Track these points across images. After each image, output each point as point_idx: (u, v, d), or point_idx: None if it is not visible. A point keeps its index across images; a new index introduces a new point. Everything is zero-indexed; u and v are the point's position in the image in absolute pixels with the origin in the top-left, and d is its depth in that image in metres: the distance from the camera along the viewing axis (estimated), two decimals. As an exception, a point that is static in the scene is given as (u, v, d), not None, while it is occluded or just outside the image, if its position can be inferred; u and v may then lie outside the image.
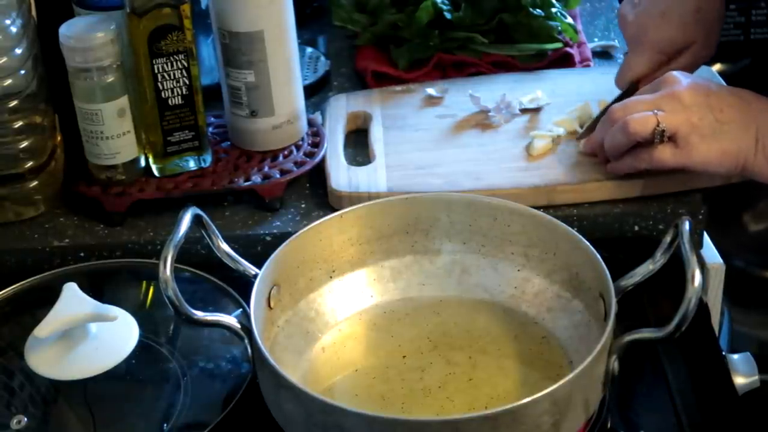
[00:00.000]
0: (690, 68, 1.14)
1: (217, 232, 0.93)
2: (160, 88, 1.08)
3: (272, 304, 0.93)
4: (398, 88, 1.27)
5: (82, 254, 1.10)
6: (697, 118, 1.02)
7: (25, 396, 0.95)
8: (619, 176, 1.08)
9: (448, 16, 1.29)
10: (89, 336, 0.96)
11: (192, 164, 1.13)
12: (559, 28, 1.31)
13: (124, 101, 1.08)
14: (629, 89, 1.15)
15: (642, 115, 1.03)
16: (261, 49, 1.10)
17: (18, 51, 1.07)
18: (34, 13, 1.14)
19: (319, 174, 1.14)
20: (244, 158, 1.15)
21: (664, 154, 1.03)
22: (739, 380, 1.00)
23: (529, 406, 0.79)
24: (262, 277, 0.91)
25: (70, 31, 1.05)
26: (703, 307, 1.04)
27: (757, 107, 1.03)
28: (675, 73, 1.06)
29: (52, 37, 1.07)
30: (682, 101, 1.03)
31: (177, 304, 0.85)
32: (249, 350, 0.88)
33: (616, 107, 1.07)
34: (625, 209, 1.08)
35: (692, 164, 1.03)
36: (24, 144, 1.10)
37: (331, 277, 0.98)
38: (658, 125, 1.02)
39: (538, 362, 0.93)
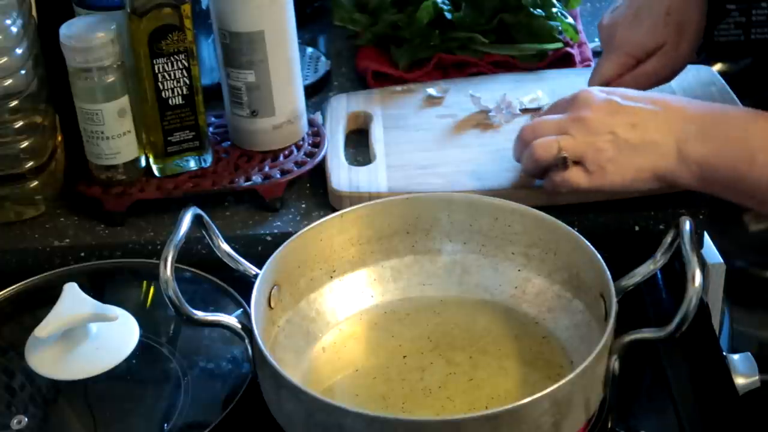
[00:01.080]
0: (660, 71, 1.14)
1: (217, 232, 0.93)
2: (161, 88, 1.08)
3: (273, 304, 0.93)
4: (399, 88, 1.27)
5: (82, 254, 1.10)
6: (603, 142, 1.00)
7: (26, 396, 0.95)
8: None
9: (448, 16, 1.29)
10: (90, 336, 0.96)
11: (192, 164, 1.13)
12: (560, 28, 1.31)
13: (124, 101, 1.08)
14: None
15: (545, 140, 1.03)
16: (261, 49, 1.10)
17: (18, 51, 1.07)
18: (34, 13, 1.14)
19: (319, 174, 1.14)
20: (245, 158, 1.15)
21: (578, 178, 1.02)
22: (740, 380, 1.00)
23: (529, 406, 0.79)
24: (262, 277, 0.91)
25: (70, 31, 1.05)
26: (703, 307, 1.04)
27: (678, 115, 1.01)
28: (588, 90, 1.05)
29: (52, 37, 1.07)
30: (587, 125, 1.01)
31: (177, 304, 0.85)
32: (249, 350, 0.88)
33: (525, 127, 1.07)
34: (625, 209, 1.08)
35: (607, 187, 1.02)
36: (24, 144, 1.10)
37: (331, 277, 0.98)
38: (559, 151, 1.01)
39: (538, 362, 0.93)
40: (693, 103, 1.04)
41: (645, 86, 1.14)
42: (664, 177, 1.01)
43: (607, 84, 1.15)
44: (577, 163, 1.02)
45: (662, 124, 1.01)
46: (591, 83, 1.17)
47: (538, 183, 1.09)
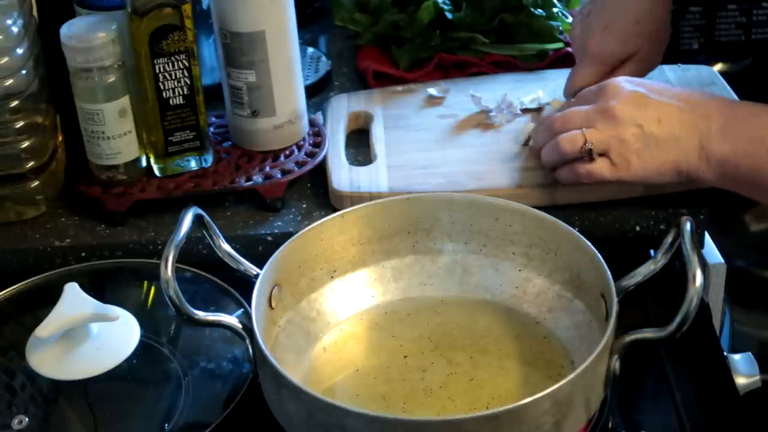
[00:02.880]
0: (635, 76, 1.14)
1: (218, 232, 0.93)
2: (162, 88, 1.08)
3: (273, 304, 0.93)
4: (399, 88, 1.27)
5: (83, 254, 1.10)
6: (629, 134, 1.02)
7: (27, 396, 0.95)
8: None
9: (449, 16, 1.29)
10: (90, 336, 0.96)
11: (193, 164, 1.13)
12: (561, 27, 1.31)
13: (125, 101, 1.08)
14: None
15: (571, 134, 1.04)
16: (262, 49, 1.10)
17: (19, 51, 1.07)
18: (35, 13, 1.14)
19: (320, 174, 1.14)
20: (246, 158, 1.15)
21: (602, 170, 1.03)
22: (741, 380, 1.00)
23: (530, 406, 0.79)
24: (263, 277, 0.91)
25: (71, 31, 1.05)
26: (704, 307, 1.04)
27: (702, 112, 1.02)
28: (616, 80, 1.06)
29: (53, 37, 1.07)
30: (614, 117, 1.02)
31: (178, 304, 0.85)
32: (250, 350, 0.88)
33: (555, 117, 1.08)
34: (626, 209, 1.08)
35: (630, 178, 1.03)
36: (25, 144, 1.10)
37: (332, 277, 0.98)
38: (585, 144, 1.02)
39: (539, 362, 0.93)
40: (717, 99, 1.05)
41: None
42: (685, 173, 1.02)
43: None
44: (602, 154, 1.03)
45: (687, 120, 1.01)
46: (566, 90, 1.19)
47: (536, 180, 1.09)
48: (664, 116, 1.02)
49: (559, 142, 1.05)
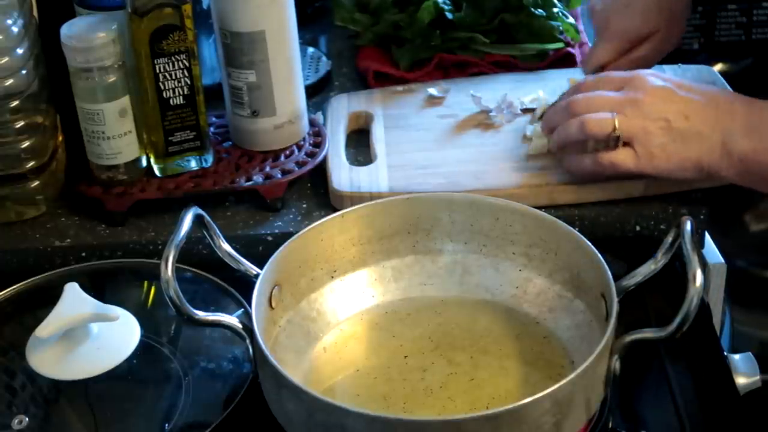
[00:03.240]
0: (653, 56, 1.17)
1: (218, 232, 0.93)
2: (162, 88, 1.08)
3: (273, 304, 0.93)
4: (400, 88, 1.27)
5: (83, 254, 1.10)
6: (654, 127, 1.02)
7: (27, 396, 0.95)
8: (621, 176, 1.07)
9: (449, 16, 1.29)
10: (90, 336, 0.96)
11: (193, 164, 1.13)
12: (561, 27, 1.31)
13: (125, 101, 1.08)
14: (595, 74, 1.17)
15: (600, 116, 1.04)
16: (262, 49, 1.10)
17: (19, 51, 1.07)
18: (35, 12, 1.14)
19: (320, 174, 1.14)
20: (246, 158, 1.15)
21: (626, 160, 1.03)
22: (741, 380, 1.00)
23: (530, 406, 0.79)
24: (263, 277, 0.91)
25: (71, 31, 1.05)
26: (704, 307, 1.04)
27: (726, 109, 1.02)
28: (644, 74, 1.06)
29: (53, 37, 1.07)
30: (642, 108, 1.03)
31: (178, 303, 0.85)
32: (250, 350, 0.88)
33: (578, 98, 1.07)
34: (626, 209, 1.08)
35: (653, 171, 1.03)
36: (25, 144, 1.10)
37: (332, 277, 0.98)
38: (614, 130, 1.02)
39: (539, 362, 0.93)
40: (740, 97, 1.05)
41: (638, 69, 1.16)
42: (706, 169, 1.02)
43: (602, 69, 1.17)
44: (625, 144, 1.03)
45: (711, 117, 1.02)
46: (586, 67, 1.19)
47: (535, 175, 1.09)
48: (690, 112, 1.02)
49: (586, 121, 1.04)
